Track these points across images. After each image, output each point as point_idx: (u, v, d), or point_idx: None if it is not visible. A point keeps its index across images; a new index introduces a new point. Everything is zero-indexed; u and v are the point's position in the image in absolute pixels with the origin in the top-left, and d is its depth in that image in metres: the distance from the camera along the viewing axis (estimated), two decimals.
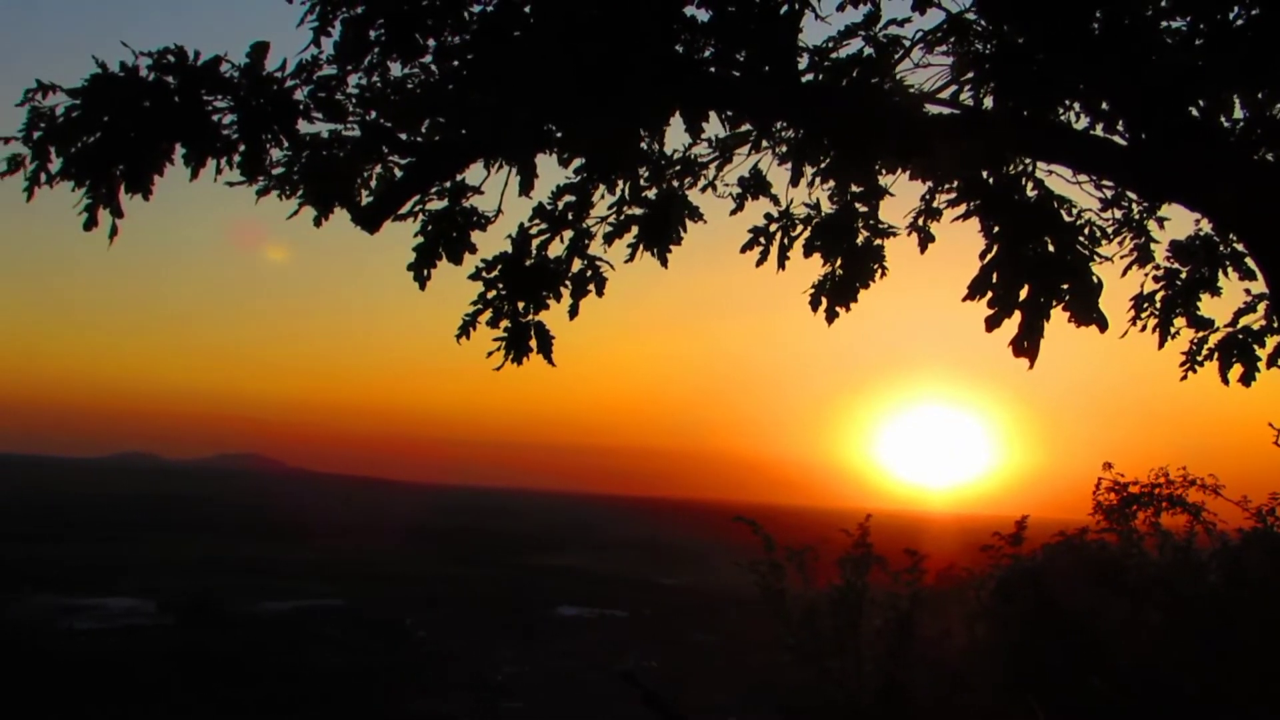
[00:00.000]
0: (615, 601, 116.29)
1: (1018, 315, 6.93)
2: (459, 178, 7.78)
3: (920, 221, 8.74)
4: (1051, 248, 7.04)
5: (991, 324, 6.92)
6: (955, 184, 7.72)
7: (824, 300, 8.75)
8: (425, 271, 7.91)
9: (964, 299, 6.99)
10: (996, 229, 7.08)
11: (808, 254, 8.70)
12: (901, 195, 8.53)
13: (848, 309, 8.77)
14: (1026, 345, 6.91)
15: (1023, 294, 6.93)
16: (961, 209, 7.32)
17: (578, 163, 7.75)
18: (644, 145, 7.80)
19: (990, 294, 6.94)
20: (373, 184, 7.87)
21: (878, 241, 8.68)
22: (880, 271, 8.75)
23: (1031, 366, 6.90)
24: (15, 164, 6.90)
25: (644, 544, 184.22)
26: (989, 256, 7.03)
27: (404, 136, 7.56)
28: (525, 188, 7.60)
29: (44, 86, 6.75)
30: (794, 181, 7.89)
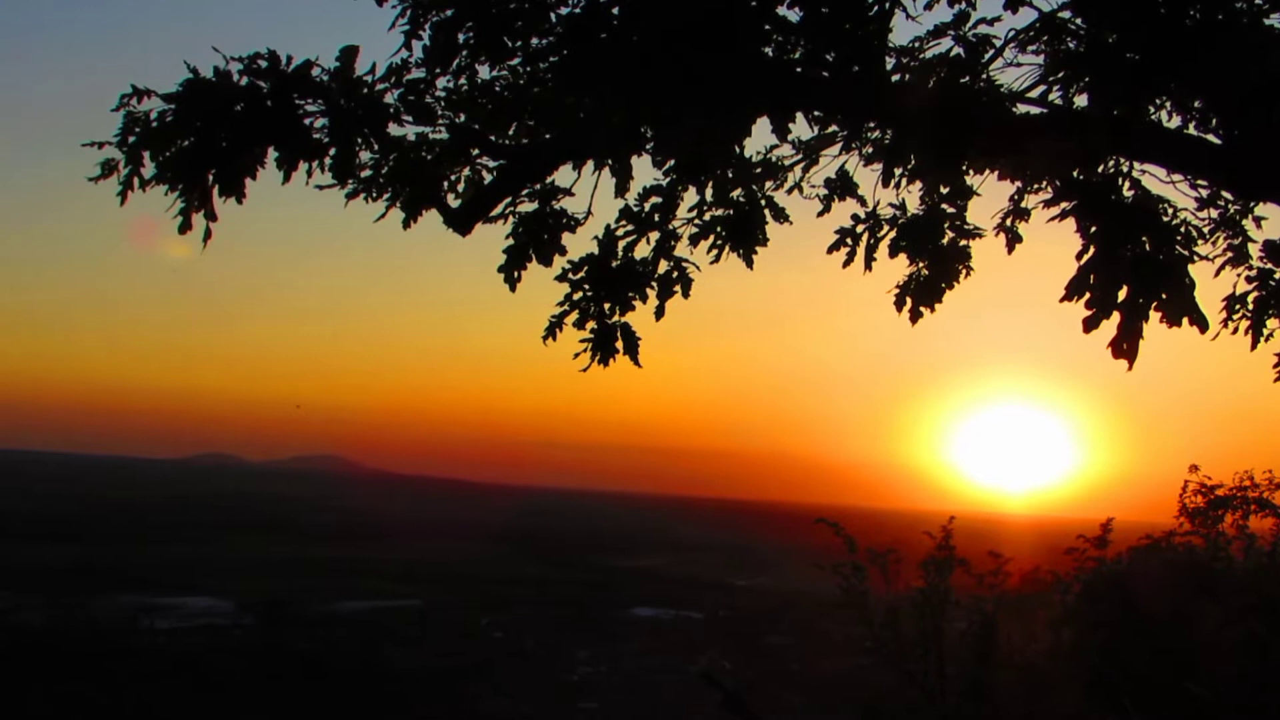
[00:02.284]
0: (691, 603, 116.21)
1: (1115, 316, 6.85)
2: (549, 180, 7.81)
3: (1008, 222, 8.69)
4: (1149, 248, 6.95)
5: (1090, 325, 6.84)
6: (1048, 184, 7.65)
7: (909, 301, 8.72)
8: (515, 273, 7.95)
9: (1061, 300, 6.91)
10: (1094, 229, 7.00)
11: (893, 254, 8.66)
12: (984, 197, 8.46)
13: (932, 310, 8.74)
14: (1125, 346, 6.83)
15: (1121, 295, 6.85)
16: (1057, 209, 7.23)
17: (670, 164, 7.74)
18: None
19: (1088, 295, 6.87)
20: (460, 187, 7.90)
21: (964, 242, 8.64)
22: (965, 272, 8.71)
23: (1131, 368, 6.83)
24: (109, 169, 6.96)
25: (718, 545, 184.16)
26: (1086, 257, 6.95)
27: (493, 139, 7.59)
28: (621, 189, 7.63)
29: (139, 91, 6.79)
30: (884, 182, 7.87)
